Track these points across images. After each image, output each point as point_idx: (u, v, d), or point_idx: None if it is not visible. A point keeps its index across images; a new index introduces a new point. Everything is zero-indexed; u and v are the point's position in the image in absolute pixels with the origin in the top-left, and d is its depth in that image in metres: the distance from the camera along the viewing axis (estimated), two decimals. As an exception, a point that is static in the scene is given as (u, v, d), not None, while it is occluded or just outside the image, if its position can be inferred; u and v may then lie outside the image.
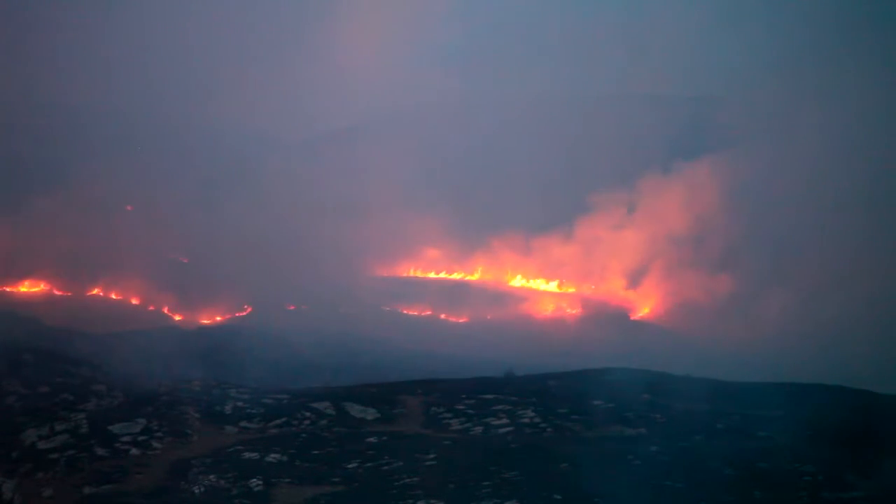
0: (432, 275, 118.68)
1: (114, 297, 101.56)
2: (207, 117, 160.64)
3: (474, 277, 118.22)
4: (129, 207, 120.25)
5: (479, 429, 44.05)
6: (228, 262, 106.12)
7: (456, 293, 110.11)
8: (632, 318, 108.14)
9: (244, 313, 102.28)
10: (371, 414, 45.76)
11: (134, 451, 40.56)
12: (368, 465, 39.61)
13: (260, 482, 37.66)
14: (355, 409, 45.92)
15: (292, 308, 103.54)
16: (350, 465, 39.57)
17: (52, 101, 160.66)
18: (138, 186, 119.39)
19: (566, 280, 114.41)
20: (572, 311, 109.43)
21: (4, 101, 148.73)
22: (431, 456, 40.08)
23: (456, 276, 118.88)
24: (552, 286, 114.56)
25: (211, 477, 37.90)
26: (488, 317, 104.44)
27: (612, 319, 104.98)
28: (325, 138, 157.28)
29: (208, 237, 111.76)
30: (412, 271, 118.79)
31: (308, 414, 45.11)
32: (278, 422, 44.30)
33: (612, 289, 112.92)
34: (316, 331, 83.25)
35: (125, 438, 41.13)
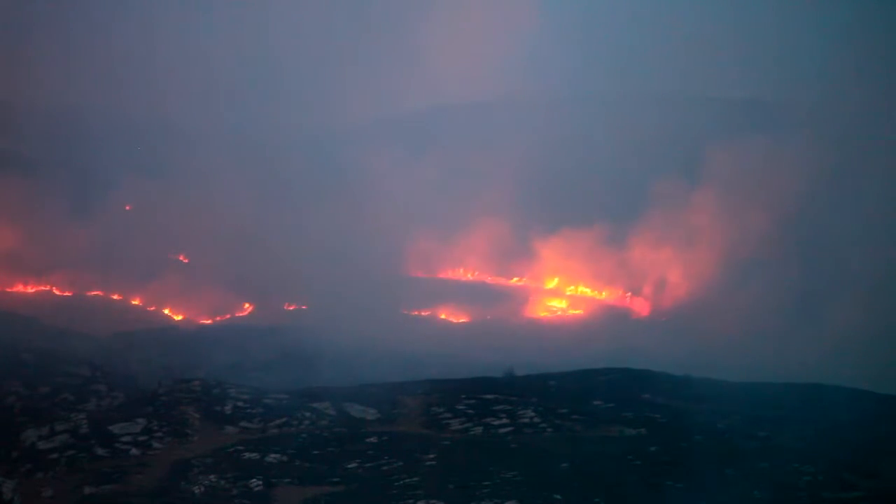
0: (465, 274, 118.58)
1: (114, 297, 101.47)
2: (215, 114, 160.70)
3: (477, 278, 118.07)
4: (127, 207, 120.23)
5: (479, 429, 44.03)
6: (229, 262, 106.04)
7: (458, 293, 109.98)
8: (633, 318, 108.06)
9: (244, 313, 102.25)
10: (371, 414, 45.76)
11: (134, 451, 40.56)
12: (368, 465, 39.60)
13: (260, 482, 37.65)
14: (355, 409, 45.92)
15: (292, 308, 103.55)
16: (350, 465, 39.57)
17: (53, 101, 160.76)
18: (137, 186, 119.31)
19: (572, 281, 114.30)
20: (575, 311, 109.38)
21: (6, 101, 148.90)
22: (431, 456, 40.09)
23: (458, 276, 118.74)
24: (557, 287, 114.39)
25: (211, 477, 37.90)
26: (488, 317, 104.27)
27: (614, 320, 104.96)
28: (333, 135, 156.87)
29: (209, 237, 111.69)
30: (414, 272, 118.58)
31: (308, 414, 45.11)
32: (278, 422, 44.29)
33: (617, 290, 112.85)
34: (316, 331, 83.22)
35: (125, 438, 41.13)
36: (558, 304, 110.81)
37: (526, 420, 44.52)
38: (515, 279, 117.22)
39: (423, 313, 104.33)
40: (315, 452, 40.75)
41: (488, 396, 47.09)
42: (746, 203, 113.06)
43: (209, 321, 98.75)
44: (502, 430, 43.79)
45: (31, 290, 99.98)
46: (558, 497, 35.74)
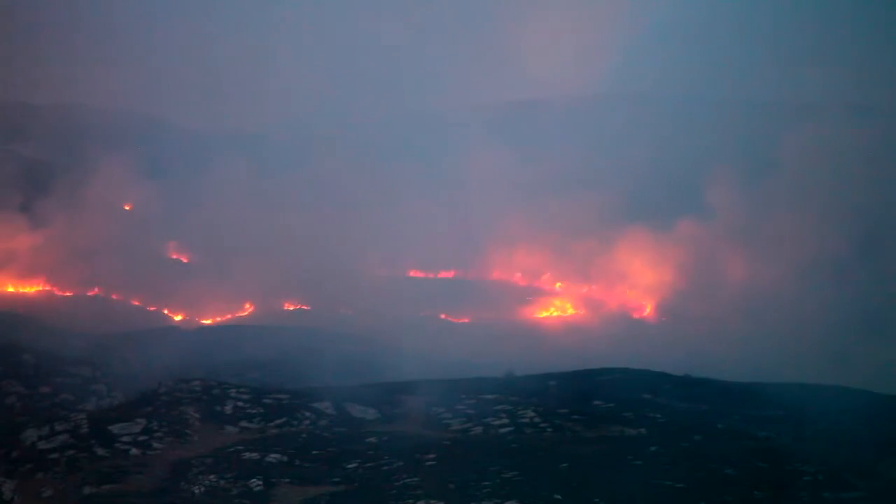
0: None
1: (114, 297, 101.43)
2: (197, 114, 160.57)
3: (477, 277, 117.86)
4: (127, 206, 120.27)
5: (479, 429, 44.03)
6: (229, 262, 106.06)
7: (458, 293, 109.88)
8: (633, 318, 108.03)
9: (244, 313, 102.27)
10: (371, 414, 45.76)
11: (134, 451, 40.55)
12: (368, 465, 39.58)
13: (260, 482, 37.65)
14: (355, 409, 45.91)
15: (292, 308, 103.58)
16: (350, 465, 39.56)
17: (53, 102, 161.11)
18: (135, 185, 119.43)
19: (573, 281, 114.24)
20: (575, 311, 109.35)
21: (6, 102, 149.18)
22: (431, 456, 40.06)
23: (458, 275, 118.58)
24: (557, 287, 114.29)
25: (211, 477, 37.89)
26: (488, 317, 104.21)
27: (615, 320, 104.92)
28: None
29: (208, 236, 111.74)
30: (413, 271, 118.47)
31: (308, 414, 45.10)
32: (278, 422, 44.28)
33: (618, 290, 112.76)
34: (316, 331, 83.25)
35: (125, 438, 41.11)
36: (558, 304, 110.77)
37: (526, 420, 44.51)
38: (516, 279, 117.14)
39: (423, 313, 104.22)
40: (315, 452, 40.73)
41: (488, 396, 47.09)
42: (759, 206, 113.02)
43: (209, 321, 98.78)
44: (502, 430, 43.79)
45: (31, 290, 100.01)
46: (558, 497, 35.74)
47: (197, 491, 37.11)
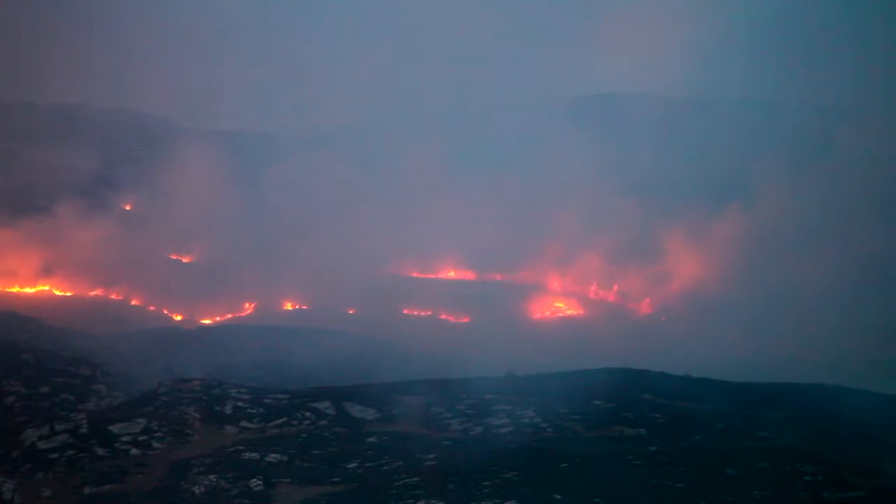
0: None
1: (114, 297, 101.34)
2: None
3: (476, 278, 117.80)
4: (127, 206, 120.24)
5: (479, 429, 44.04)
6: (229, 262, 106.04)
7: (458, 293, 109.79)
8: (633, 318, 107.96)
9: (244, 313, 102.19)
10: (371, 414, 45.79)
11: (134, 451, 40.58)
12: (368, 465, 39.62)
13: (260, 482, 37.68)
14: (355, 409, 45.94)
15: (292, 308, 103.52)
16: (350, 465, 39.59)
17: (53, 102, 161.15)
18: (136, 185, 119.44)
19: (573, 281, 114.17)
20: (575, 311, 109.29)
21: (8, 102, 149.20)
22: (431, 456, 40.09)
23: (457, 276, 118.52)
24: (557, 286, 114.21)
25: (211, 477, 37.92)
26: (488, 317, 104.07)
27: (614, 320, 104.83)
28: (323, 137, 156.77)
29: (209, 236, 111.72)
30: (414, 271, 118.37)
31: (308, 414, 45.13)
32: (278, 422, 44.32)
33: (618, 289, 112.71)
34: (317, 331, 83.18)
35: (125, 438, 41.14)
36: (558, 305, 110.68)
37: (526, 420, 44.54)
38: (518, 278, 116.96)
39: (423, 313, 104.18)
40: (315, 452, 40.77)
41: (488, 396, 47.12)
42: (766, 206, 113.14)
43: (209, 321, 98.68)
44: (502, 430, 43.79)
45: (30, 290, 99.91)
46: (558, 497, 35.74)
47: (197, 491, 37.13)
